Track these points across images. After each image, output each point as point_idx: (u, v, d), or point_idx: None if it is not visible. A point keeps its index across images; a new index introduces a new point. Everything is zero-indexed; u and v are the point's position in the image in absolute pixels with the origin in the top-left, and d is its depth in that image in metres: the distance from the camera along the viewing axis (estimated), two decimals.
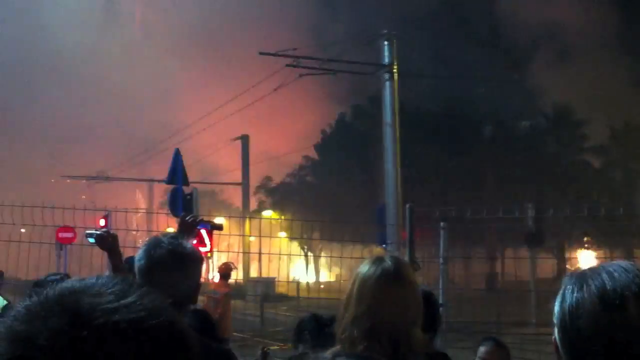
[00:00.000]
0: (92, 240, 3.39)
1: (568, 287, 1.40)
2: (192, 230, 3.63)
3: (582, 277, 1.39)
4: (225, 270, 12.40)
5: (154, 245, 2.35)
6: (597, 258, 39.28)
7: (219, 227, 4.71)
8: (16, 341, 0.75)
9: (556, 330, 1.41)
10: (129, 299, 0.79)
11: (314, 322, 3.45)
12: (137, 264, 2.36)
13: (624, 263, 1.43)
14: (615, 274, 1.36)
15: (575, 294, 1.37)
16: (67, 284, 0.84)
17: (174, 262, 2.30)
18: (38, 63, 61.37)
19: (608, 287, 1.34)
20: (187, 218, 3.61)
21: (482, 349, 4.00)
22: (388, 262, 2.19)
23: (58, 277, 4.01)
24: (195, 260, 2.40)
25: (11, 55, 57.02)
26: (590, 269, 1.42)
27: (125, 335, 0.76)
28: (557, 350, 1.43)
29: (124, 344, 0.76)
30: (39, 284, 3.74)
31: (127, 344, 0.76)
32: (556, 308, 1.41)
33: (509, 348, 4.26)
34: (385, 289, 2.14)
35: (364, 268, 2.21)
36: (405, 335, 2.12)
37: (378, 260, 2.21)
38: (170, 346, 0.80)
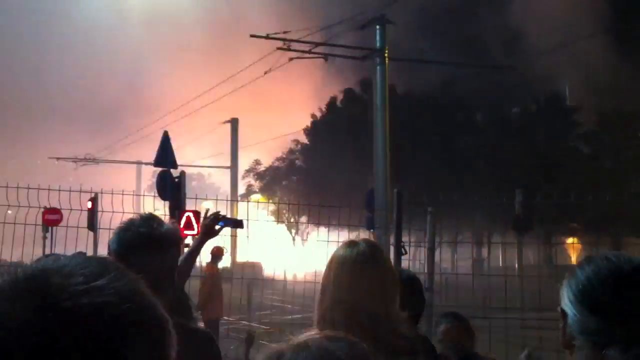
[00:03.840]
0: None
1: (585, 265, 1.54)
2: (214, 232, 3.46)
3: (598, 256, 1.55)
4: (217, 253, 12.47)
5: (125, 229, 2.30)
6: (584, 244, 39.58)
7: (240, 225, 3.97)
8: None
9: (568, 300, 1.52)
10: (100, 282, 0.77)
11: None
12: (111, 248, 2.33)
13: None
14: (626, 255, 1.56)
15: (594, 265, 1.51)
16: (39, 264, 0.81)
17: (146, 245, 2.23)
18: (22, 42, 60.75)
19: (626, 256, 1.53)
20: (206, 218, 3.45)
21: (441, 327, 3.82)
22: (362, 245, 2.26)
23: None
24: (170, 242, 2.32)
25: None
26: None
27: (93, 320, 0.74)
28: (563, 319, 1.54)
29: (90, 328, 0.73)
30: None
31: (93, 329, 0.73)
32: (571, 281, 1.53)
33: (467, 320, 3.92)
34: (362, 271, 2.18)
35: (339, 252, 2.26)
36: (386, 316, 2.13)
37: (352, 244, 2.27)
38: (141, 332, 0.77)
